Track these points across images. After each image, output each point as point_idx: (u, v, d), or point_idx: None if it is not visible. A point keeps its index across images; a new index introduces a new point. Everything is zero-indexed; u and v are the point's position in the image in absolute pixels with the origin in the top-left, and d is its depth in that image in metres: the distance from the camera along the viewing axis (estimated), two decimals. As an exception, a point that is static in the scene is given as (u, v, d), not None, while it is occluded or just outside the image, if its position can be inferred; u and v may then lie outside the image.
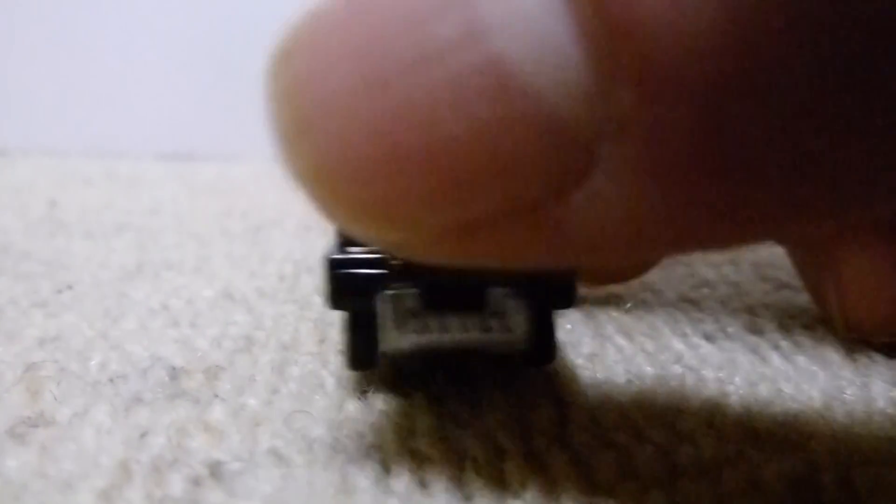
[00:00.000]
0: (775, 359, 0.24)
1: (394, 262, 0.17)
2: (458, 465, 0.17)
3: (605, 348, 0.24)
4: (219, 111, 0.80)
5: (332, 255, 0.18)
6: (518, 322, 0.18)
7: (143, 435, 0.18)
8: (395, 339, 0.18)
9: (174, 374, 0.22)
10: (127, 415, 0.19)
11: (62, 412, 0.19)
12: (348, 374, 0.22)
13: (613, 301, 0.28)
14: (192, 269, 0.34)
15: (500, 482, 0.17)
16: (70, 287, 0.31)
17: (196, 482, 0.16)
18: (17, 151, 0.73)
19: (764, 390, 0.21)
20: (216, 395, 0.20)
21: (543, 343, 0.19)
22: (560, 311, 0.20)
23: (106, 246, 0.38)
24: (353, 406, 0.20)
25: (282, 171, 0.11)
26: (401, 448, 0.18)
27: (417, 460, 0.17)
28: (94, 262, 0.35)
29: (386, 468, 0.17)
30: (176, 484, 0.16)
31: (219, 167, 0.69)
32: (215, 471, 0.17)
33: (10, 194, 0.52)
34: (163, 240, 0.40)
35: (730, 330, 0.26)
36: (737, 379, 0.22)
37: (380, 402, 0.20)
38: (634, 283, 0.29)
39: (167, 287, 0.31)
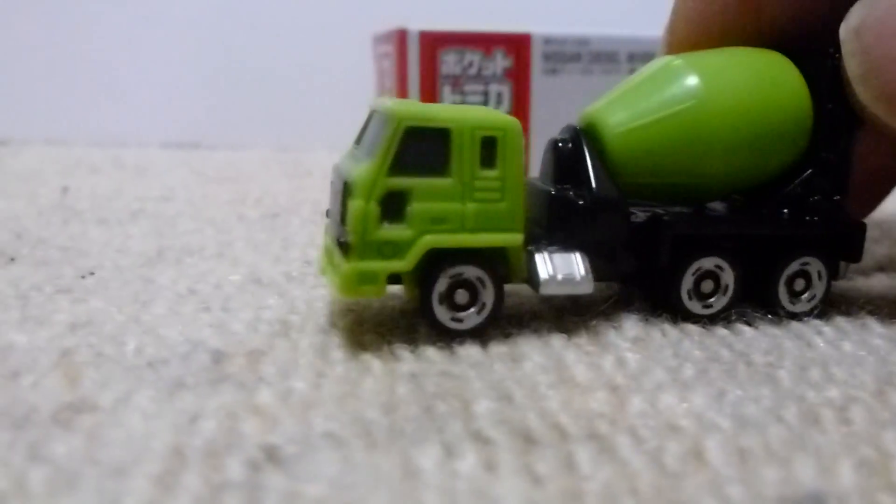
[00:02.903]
0: (821, 344, 0.23)
1: None
2: (523, 448, 0.17)
3: (651, 333, 0.24)
4: (224, 101, 0.79)
5: None
6: None
7: (193, 419, 0.18)
8: None
9: (217, 357, 0.21)
10: (171, 399, 0.19)
11: (104, 397, 0.19)
12: (391, 357, 0.21)
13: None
14: (215, 255, 0.33)
15: (568, 466, 0.16)
16: (92, 273, 0.30)
17: (254, 467, 0.16)
18: (22, 141, 0.72)
19: (815, 374, 0.21)
20: (261, 379, 0.20)
21: None
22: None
23: (122, 232, 0.37)
24: (403, 389, 0.19)
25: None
26: (462, 430, 0.17)
27: (480, 442, 0.17)
28: (111, 247, 0.34)
29: (448, 451, 0.16)
30: (234, 468, 0.16)
31: (225, 155, 0.68)
32: (272, 455, 0.16)
33: (19, 182, 0.51)
34: (180, 226, 0.39)
35: (770, 316, 0.26)
36: (787, 363, 0.22)
37: (432, 385, 0.20)
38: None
39: (192, 272, 0.30)
